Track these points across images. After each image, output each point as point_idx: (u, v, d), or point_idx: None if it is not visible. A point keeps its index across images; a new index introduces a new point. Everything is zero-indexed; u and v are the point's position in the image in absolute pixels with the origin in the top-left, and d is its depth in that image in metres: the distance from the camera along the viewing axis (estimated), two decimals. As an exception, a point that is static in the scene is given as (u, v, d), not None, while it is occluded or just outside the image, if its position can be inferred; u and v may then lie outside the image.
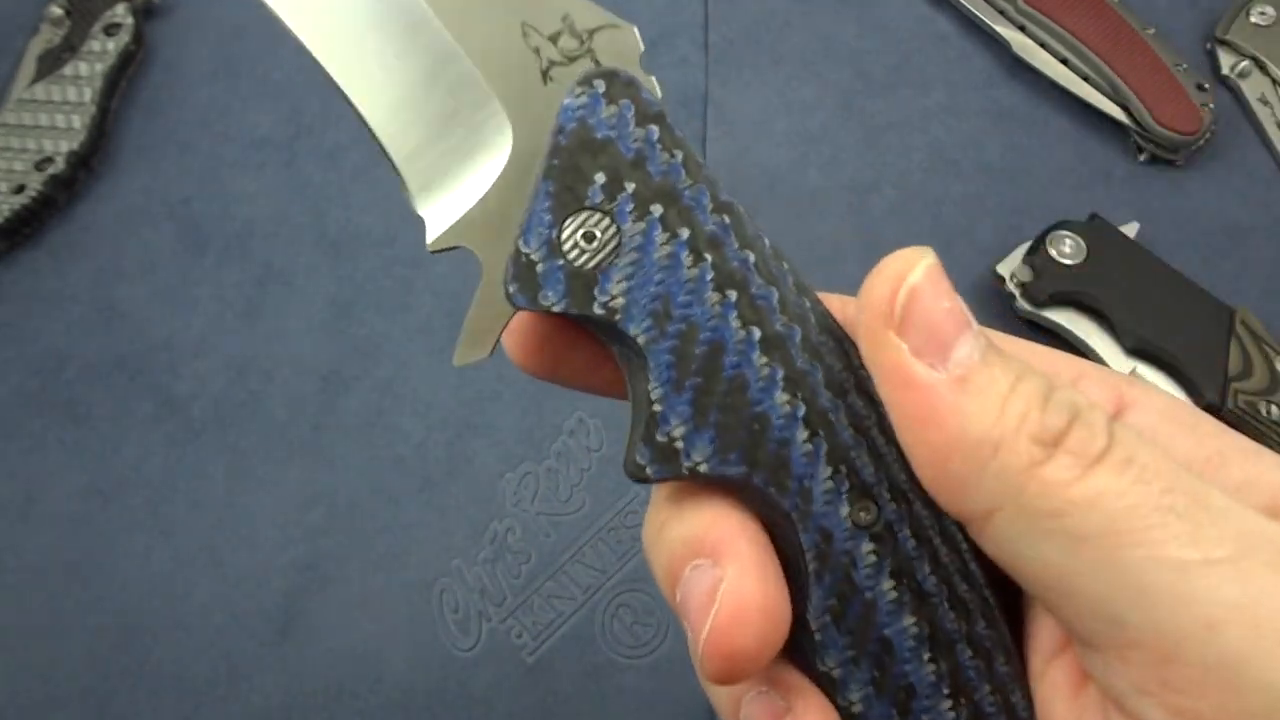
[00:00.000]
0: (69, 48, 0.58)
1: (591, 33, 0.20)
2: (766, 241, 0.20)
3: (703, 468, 0.19)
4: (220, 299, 0.53)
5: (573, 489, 0.47)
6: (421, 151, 0.20)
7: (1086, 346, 0.49)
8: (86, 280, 0.53)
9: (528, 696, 0.44)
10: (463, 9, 0.20)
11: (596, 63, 0.20)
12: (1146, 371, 0.47)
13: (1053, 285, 0.49)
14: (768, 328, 0.19)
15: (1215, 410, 0.45)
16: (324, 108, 0.58)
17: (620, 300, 0.19)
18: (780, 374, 0.19)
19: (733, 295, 0.19)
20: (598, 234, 0.19)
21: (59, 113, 0.56)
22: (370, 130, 0.20)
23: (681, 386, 0.19)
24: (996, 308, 0.52)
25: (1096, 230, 0.50)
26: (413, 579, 0.46)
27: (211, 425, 0.49)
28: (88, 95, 0.56)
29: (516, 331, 0.21)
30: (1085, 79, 0.56)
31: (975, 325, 0.18)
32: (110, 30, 0.58)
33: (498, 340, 0.20)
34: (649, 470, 0.19)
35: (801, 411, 0.19)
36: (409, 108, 0.20)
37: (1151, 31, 0.56)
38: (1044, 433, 0.17)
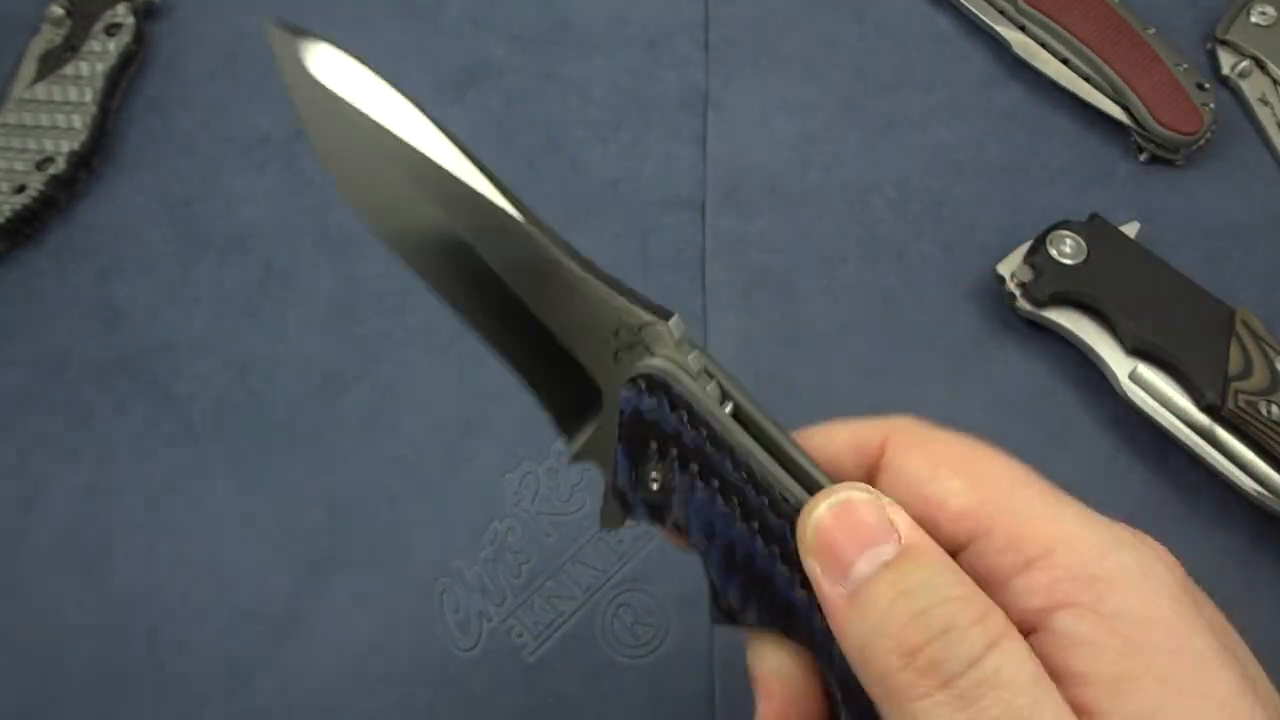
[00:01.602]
0: (70, 48, 0.58)
1: (640, 328, 0.27)
2: (778, 481, 0.26)
3: (754, 624, 0.26)
4: (220, 299, 0.53)
5: (573, 489, 0.47)
6: (554, 399, 0.29)
7: (1086, 346, 0.49)
8: (86, 280, 0.53)
9: (528, 696, 0.44)
10: (557, 317, 0.28)
11: (648, 349, 0.27)
12: (1146, 371, 0.47)
13: (1053, 285, 0.49)
14: (785, 547, 0.25)
15: (1215, 410, 0.45)
16: (324, 108, 0.58)
17: (683, 521, 0.26)
18: (798, 577, 0.24)
19: (755, 525, 0.25)
20: (659, 477, 0.26)
21: (60, 112, 0.56)
22: (522, 383, 0.29)
23: (730, 577, 0.26)
24: (996, 308, 0.52)
25: (1097, 230, 0.50)
26: (413, 579, 0.46)
27: (211, 425, 0.49)
28: (88, 95, 0.56)
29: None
30: (1085, 79, 0.56)
31: (884, 542, 0.22)
32: (111, 30, 0.58)
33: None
34: (722, 618, 0.26)
35: (817, 601, 0.24)
36: (541, 375, 0.29)
37: (1151, 31, 0.56)
38: (900, 645, 0.20)
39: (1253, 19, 0.58)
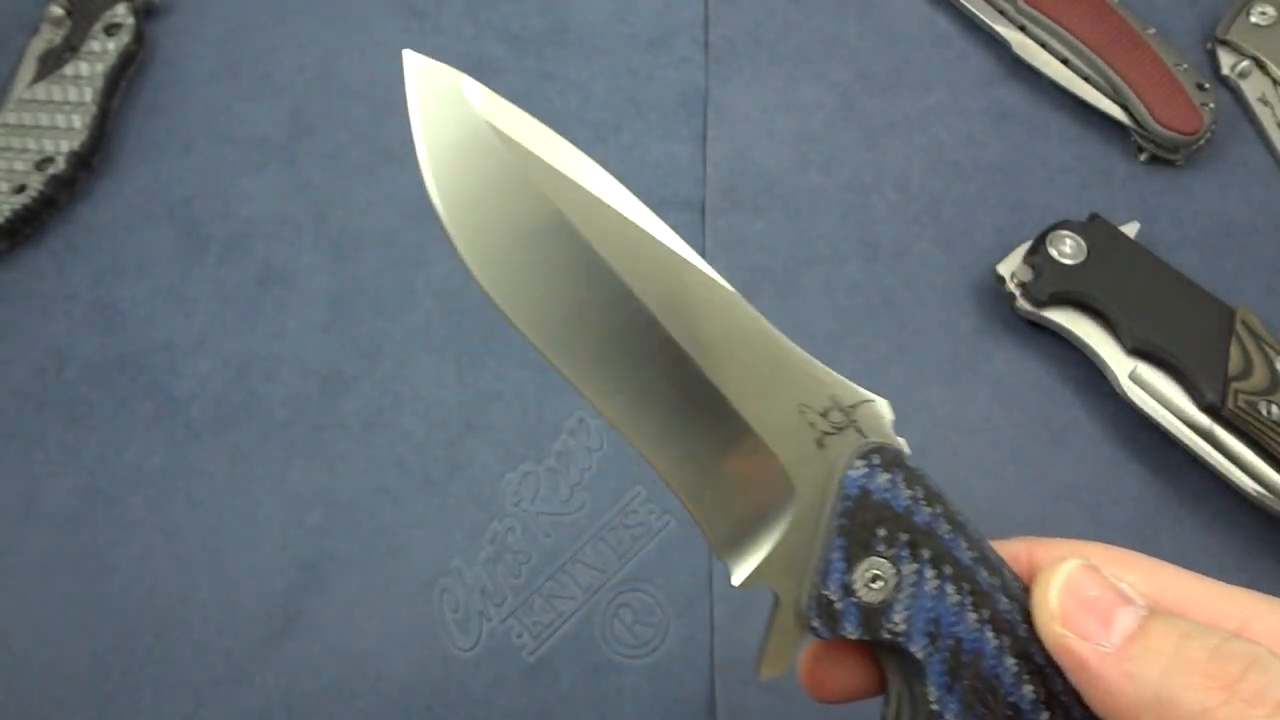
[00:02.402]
0: (69, 48, 0.58)
1: (853, 407, 0.24)
2: (1006, 562, 0.25)
3: None
4: (220, 299, 0.53)
5: (573, 489, 0.47)
6: (720, 512, 0.25)
7: (1086, 346, 0.49)
8: (86, 280, 0.53)
9: (528, 696, 0.44)
10: (754, 398, 0.24)
11: (860, 431, 0.25)
12: (1146, 371, 0.47)
13: (1053, 285, 0.49)
14: (1015, 636, 0.24)
15: (1215, 410, 0.45)
16: (324, 108, 0.58)
17: (903, 625, 0.24)
18: (1025, 671, 0.24)
19: (986, 614, 0.24)
20: (882, 575, 0.24)
21: (59, 112, 0.56)
22: (680, 497, 0.24)
23: (953, 689, 0.24)
24: (996, 308, 0.52)
25: (1096, 230, 0.50)
26: (413, 579, 0.46)
27: (211, 425, 0.49)
28: (88, 95, 0.56)
29: (810, 680, 0.27)
30: (1085, 79, 0.56)
31: (1133, 599, 0.22)
32: (111, 30, 0.58)
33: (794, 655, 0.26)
34: None
35: (1043, 696, 0.24)
36: (711, 480, 0.24)
37: (1151, 31, 0.56)
38: (1213, 680, 0.20)
39: (1253, 19, 0.58)
